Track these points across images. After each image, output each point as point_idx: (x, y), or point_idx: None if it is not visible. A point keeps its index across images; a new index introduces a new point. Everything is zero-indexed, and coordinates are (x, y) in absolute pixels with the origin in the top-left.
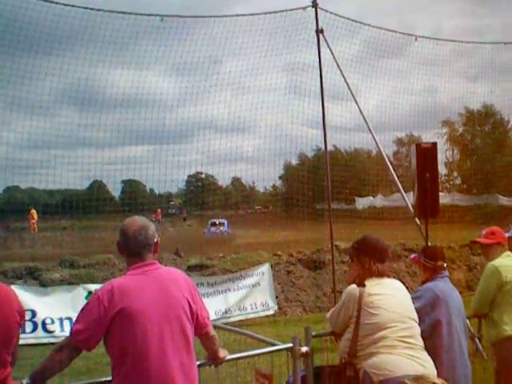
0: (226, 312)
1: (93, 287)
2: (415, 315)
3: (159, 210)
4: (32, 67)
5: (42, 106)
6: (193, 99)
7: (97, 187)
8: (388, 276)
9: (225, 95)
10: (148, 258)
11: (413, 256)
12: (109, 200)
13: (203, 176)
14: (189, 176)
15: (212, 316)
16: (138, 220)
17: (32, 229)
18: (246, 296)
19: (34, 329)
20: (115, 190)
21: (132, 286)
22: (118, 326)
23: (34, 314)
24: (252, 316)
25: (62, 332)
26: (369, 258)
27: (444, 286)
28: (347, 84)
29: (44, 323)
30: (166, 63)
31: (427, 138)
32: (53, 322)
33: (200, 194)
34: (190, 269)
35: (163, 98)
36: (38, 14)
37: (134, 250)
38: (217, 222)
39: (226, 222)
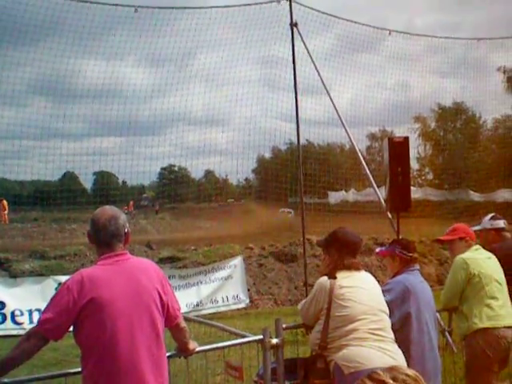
0: (198, 305)
1: (63, 279)
2: (386, 308)
3: (131, 202)
4: (4, 57)
5: (13, 96)
6: (166, 91)
7: (69, 178)
8: (359, 269)
9: (198, 87)
10: (118, 248)
11: (378, 250)
12: (81, 191)
13: (176, 168)
14: (162, 168)
15: (183, 308)
16: (108, 210)
17: (2, 220)
18: (218, 289)
19: (3, 320)
20: (87, 182)
21: (102, 276)
22: (87, 316)
23: (3, 305)
24: (223, 309)
25: (31, 324)
26: (340, 251)
27: (414, 279)
28: (321, 78)
29: (13, 315)
30: (140, 54)
31: (400, 132)
32: (22, 313)
33: (173, 186)
34: (161, 261)
35: (136, 89)
36: (10, 5)
37: (104, 240)
38: None
39: None
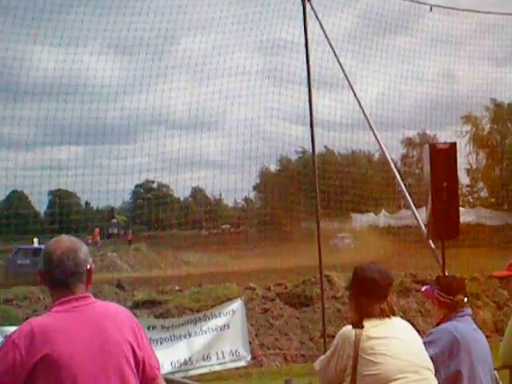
0: (186, 363)
1: (9, 330)
2: (430, 364)
3: (97, 230)
4: None
5: None
6: (141, 86)
7: (16, 199)
8: (392, 315)
9: (183, 81)
10: (78, 289)
11: (424, 288)
12: (32, 216)
13: (155, 185)
14: (136, 186)
15: (167, 368)
16: (65, 240)
17: None
18: (211, 342)
19: None
20: (40, 204)
21: (58, 327)
22: (38, 379)
23: None
24: (218, 368)
25: None
26: (364, 294)
27: (465, 327)
28: (341, 67)
29: None
30: (106, 38)
31: (444, 137)
32: None
33: (151, 208)
34: (136, 306)
35: (102, 83)
36: None
37: (59, 280)
38: None
39: None
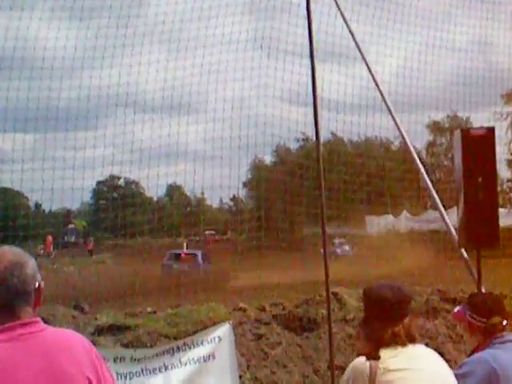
0: None
1: None
2: None
3: (50, 238)
4: None
5: None
6: (102, 59)
7: None
8: (411, 341)
9: (154, 53)
10: (25, 313)
11: (456, 310)
12: None
13: (121, 182)
14: (98, 183)
15: None
16: (7, 253)
17: None
18: (193, 377)
19: None
20: None
21: None
22: None
23: None
24: None
25: None
26: (376, 319)
27: (505, 356)
28: (352, 35)
29: None
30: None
31: (480, 120)
32: None
33: (116, 211)
34: (100, 332)
35: (53, 55)
36: None
37: (1, 302)
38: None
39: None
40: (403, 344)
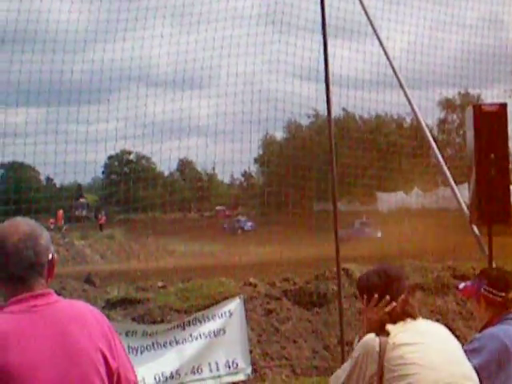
0: (172, 376)
1: None
2: (474, 375)
3: (61, 212)
4: None
5: None
6: (112, 32)
7: None
8: (411, 316)
9: (164, 27)
10: (38, 285)
11: (463, 285)
12: None
13: (132, 157)
14: (109, 157)
15: (149, 382)
16: (22, 224)
17: None
18: (203, 351)
19: None
20: None
21: (11, 332)
22: None
23: None
24: (212, 383)
25: None
26: (383, 294)
27: None
28: (364, 9)
29: None
30: None
31: (492, 97)
32: None
33: (127, 185)
34: (110, 306)
35: (66, 29)
36: None
37: (15, 274)
38: None
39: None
40: (417, 317)
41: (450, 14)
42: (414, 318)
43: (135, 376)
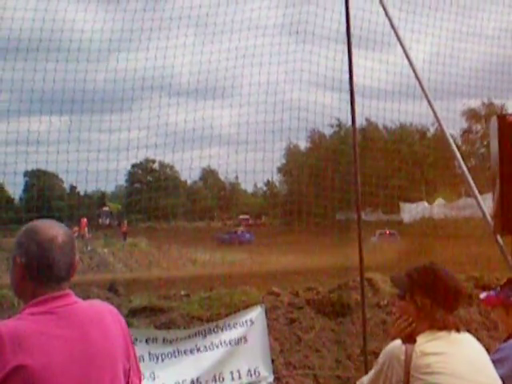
0: None
1: None
2: None
3: (85, 221)
4: None
5: None
6: (137, 41)
7: None
8: (457, 330)
9: (190, 36)
10: (66, 286)
11: (486, 294)
12: (4, 202)
13: (156, 166)
14: (133, 166)
15: None
16: (58, 225)
17: None
18: (225, 359)
19: None
20: (14, 187)
21: (32, 333)
22: None
23: None
24: None
25: None
26: (431, 300)
27: None
28: (390, 20)
29: None
30: None
31: None
32: None
33: (151, 194)
34: (134, 314)
35: (90, 38)
36: None
37: (58, 275)
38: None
39: None
40: (450, 330)
41: (472, 24)
42: (457, 331)
43: (140, 380)
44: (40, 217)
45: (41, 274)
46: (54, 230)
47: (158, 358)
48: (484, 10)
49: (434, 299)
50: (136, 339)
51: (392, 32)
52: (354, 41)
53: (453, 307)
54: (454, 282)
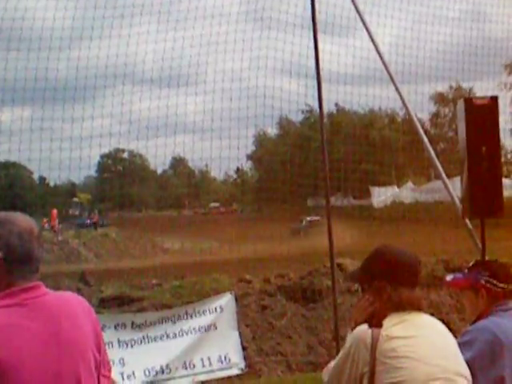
0: (163, 371)
1: None
2: (466, 370)
3: (55, 212)
4: None
5: None
6: (97, 30)
7: None
8: (420, 309)
9: (153, 23)
10: (34, 278)
11: (453, 277)
12: None
13: (125, 155)
14: (102, 156)
15: (139, 377)
16: (25, 217)
17: None
18: (195, 346)
19: None
20: None
21: (2, 325)
22: None
23: None
24: (204, 378)
25: None
26: (389, 281)
27: (510, 324)
28: (355, 4)
29: None
30: None
31: (484, 90)
32: None
33: (120, 182)
34: (104, 303)
35: (52, 26)
36: None
37: (33, 268)
38: None
39: None
40: (415, 309)
41: (437, 5)
42: (420, 310)
43: (109, 372)
44: (9, 209)
45: (20, 267)
46: (28, 221)
47: (127, 345)
48: None
49: (391, 280)
50: (105, 325)
51: (357, 16)
52: (319, 26)
53: (413, 282)
54: (406, 258)
